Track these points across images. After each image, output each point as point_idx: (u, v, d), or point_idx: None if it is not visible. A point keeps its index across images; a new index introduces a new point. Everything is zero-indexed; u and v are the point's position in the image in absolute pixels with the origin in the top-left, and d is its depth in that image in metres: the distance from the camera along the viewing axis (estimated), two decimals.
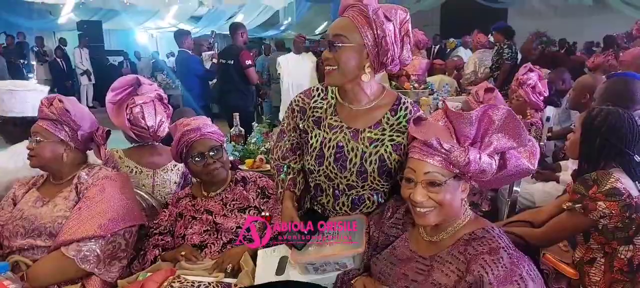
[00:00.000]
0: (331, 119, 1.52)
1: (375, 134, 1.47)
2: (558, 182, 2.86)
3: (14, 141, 2.16)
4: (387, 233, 1.39)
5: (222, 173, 1.90)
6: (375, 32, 1.37)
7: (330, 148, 1.47)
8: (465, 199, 1.24)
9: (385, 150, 1.45)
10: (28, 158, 1.79)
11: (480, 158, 1.14)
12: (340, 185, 1.50)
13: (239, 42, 5.23)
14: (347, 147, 1.47)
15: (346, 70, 1.41)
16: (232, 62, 5.16)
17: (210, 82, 6.27)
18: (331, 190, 1.53)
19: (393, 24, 1.38)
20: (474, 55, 6.45)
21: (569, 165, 2.82)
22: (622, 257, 1.65)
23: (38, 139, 1.75)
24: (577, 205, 1.65)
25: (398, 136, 1.47)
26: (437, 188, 1.17)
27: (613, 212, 1.58)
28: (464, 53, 7.93)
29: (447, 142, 1.16)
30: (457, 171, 1.17)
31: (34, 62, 11.64)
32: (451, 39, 9.66)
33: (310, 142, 1.52)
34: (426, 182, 1.18)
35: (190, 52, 5.69)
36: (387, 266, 1.31)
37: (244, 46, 5.25)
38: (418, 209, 1.20)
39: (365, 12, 1.36)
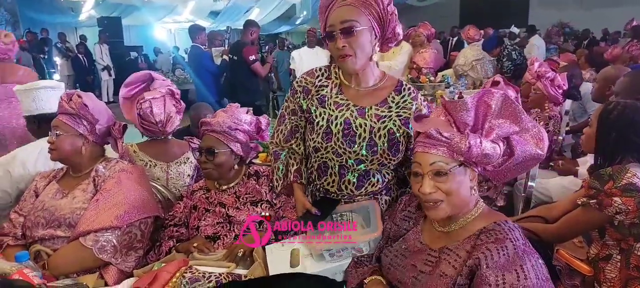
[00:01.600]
0: (337, 97, 1.55)
1: (382, 111, 1.52)
2: (576, 176, 2.81)
3: (39, 137, 2.25)
4: (399, 226, 1.41)
5: (213, 174, 1.88)
6: (378, 9, 1.42)
7: (338, 124, 1.51)
8: (475, 188, 1.24)
9: (393, 124, 1.51)
10: (48, 152, 1.84)
11: (481, 143, 1.16)
12: (349, 160, 1.53)
13: (247, 39, 5.27)
14: (354, 123, 1.50)
15: (363, 53, 1.45)
16: (237, 58, 5.22)
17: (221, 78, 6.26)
18: (337, 167, 1.55)
19: None
20: (465, 49, 6.29)
21: (588, 160, 2.76)
22: (639, 253, 1.62)
23: (58, 132, 1.80)
24: (592, 201, 1.62)
25: (405, 112, 1.53)
26: (443, 177, 1.19)
27: (629, 207, 1.55)
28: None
29: (447, 131, 1.18)
30: (462, 158, 1.18)
31: (56, 58, 11.90)
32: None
33: (316, 120, 1.54)
34: (432, 173, 1.20)
35: (203, 47, 5.73)
36: (398, 257, 1.34)
37: (250, 44, 5.28)
38: (428, 202, 1.22)
39: None
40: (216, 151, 1.85)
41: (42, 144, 2.11)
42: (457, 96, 4.38)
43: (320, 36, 6.39)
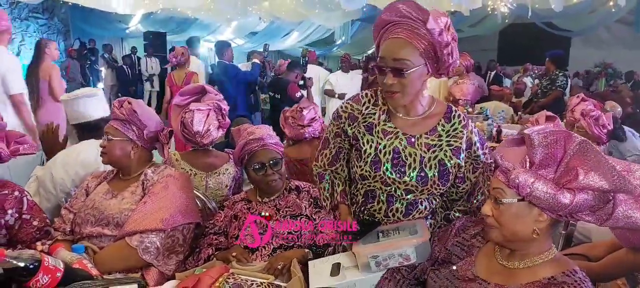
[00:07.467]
0: (384, 125, 1.51)
1: (432, 140, 1.48)
2: None
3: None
4: (449, 251, 1.37)
5: (279, 184, 1.97)
6: (433, 44, 1.35)
7: (387, 153, 1.47)
8: (540, 230, 1.13)
9: (444, 154, 1.47)
10: (100, 155, 1.94)
11: (533, 183, 1.05)
12: (398, 191, 1.50)
13: (290, 78, 5.38)
14: (404, 152, 1.47)
15: (412, 91, 1.42)
16: (280, 96, 5.32)
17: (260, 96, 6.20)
18: (385, 195, 1.52)
19: (443, 30, 1.35)
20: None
21: None
22: None
23: (109, 137, 1.90)
24: None
25: (455, 141, 1.48)
26: (499, 206, 1.17)
27: None
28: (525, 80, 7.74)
29: (511, 162, 1.13)
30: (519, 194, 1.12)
31: (102, 68, 12.45)
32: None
33: (364, 147, 1.50)
34: (493, 198, 1.19)
35: (227, 63, 5.69)
36: (444, 283, 1.30)
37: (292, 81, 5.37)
38: (485, 223, 1.23)
39: (417, 28, 1.34)
40: (280, 161, 1.97)
41: (80, 147, 2.24)
42: (495, 129, 4.33)
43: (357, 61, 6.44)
